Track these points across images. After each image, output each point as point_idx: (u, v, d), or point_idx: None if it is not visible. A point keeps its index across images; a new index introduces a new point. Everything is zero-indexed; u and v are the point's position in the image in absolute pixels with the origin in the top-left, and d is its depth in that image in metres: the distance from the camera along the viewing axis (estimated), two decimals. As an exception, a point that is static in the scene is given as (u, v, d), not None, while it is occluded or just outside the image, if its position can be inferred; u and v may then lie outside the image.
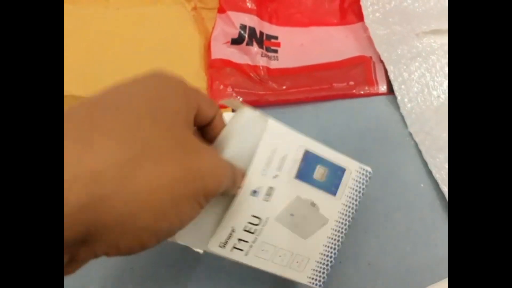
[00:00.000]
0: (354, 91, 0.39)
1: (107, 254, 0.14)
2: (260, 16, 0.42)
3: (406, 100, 0.39)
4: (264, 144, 0.22)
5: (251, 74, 0.39)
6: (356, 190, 0.25)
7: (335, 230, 0.25)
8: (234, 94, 0.37)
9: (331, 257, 0.25)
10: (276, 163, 0.22)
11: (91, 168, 0.12)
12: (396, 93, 0.39)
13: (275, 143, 0.22)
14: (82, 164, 0.12)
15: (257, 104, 0.37)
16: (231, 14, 0.40)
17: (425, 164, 0.35)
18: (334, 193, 0.24)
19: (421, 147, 0.36)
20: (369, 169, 0.26)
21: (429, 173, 0.35)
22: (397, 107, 0.38)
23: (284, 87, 0.38)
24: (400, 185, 0.34)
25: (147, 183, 0.13)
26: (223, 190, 0.17)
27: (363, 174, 0.25)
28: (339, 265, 0.31)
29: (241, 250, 0.23)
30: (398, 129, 0.37)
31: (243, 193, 0.21)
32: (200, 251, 0.23)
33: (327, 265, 0.25)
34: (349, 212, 0.25)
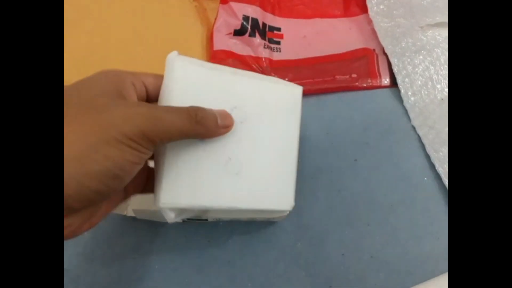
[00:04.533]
0: (356, 83, 0.39)
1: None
2: (263, 7, 0.41)
3: (409, 93, 0.38)
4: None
5: (253, 65, 0.38)
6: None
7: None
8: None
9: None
10: None
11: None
12: (400, 86, 0.38)
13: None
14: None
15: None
16: (234, 5, 0.40)
17: (428, 157, 0.35)
18: None
19: (424, 141, 0.36)
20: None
21: (432, 166, 0.34)
22: (400, 100, 0.38)
23: (286, 79, 0.38)
24: (403, 178, 0.34)
25: (67, 138, 0.17)
26: (176, 131, 0.19)
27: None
28: (342, 257, 0.31)
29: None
30: (402, 123, 0.37)
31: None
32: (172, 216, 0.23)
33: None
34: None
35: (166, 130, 0.19)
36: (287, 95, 0.26)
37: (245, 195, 0.23)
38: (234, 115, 0.23)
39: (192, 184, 0.22)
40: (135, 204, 0.28)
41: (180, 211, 0.23)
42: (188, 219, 0.29)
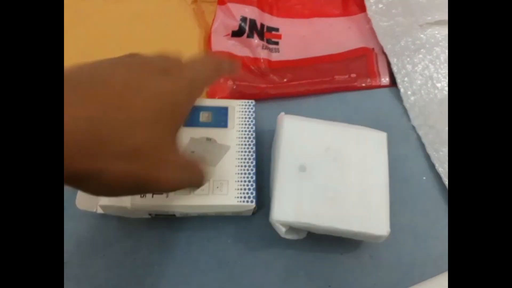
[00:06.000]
0: (356, 83, 0.39)
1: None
2: (261, 7, 0.41)
3: (409, 93, 0.38)
4: None
5: (252, 67, 0.38)
6: (245, 118, 0.31)
7: (241, 152, 0.29)
8: (234, 87, 0.37)
9: (249, 174, 0.29)
10: None
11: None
12: (399, 86, 0.38)
13: None
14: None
15: (258, 97, 0.37)
16: (231, 6, 0.40)
17: (427, 157, 0.35)
18: (225, 126, 0.30)
19: (424, 141, 0.36)
20: (251, 101, 0.32)
21: (432, 166, 0.34)
22: (400, 99, 0.38)
23: (285, 80, 0.38)
24: (402, 178, 0.34)
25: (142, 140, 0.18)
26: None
27: (246, 105, 0.32)
28: (340, 257, 0.31)
29: (161, 194, 0.27)
30: (401, 122, 0.37)
31: None
32: (128, 205, 0.27)
33: (249, 182, 0.29)
34: (248, 136, 0.30)
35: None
36: (373, 138, 0.30)
37: (342, 217, 0.27)
38: (328, 153, 0.29)
39: (297, 204, 0.27)
40: (104, 200, 0.28)
41: (288, 226, 0.27)
42: (157, 214, 0.30)
